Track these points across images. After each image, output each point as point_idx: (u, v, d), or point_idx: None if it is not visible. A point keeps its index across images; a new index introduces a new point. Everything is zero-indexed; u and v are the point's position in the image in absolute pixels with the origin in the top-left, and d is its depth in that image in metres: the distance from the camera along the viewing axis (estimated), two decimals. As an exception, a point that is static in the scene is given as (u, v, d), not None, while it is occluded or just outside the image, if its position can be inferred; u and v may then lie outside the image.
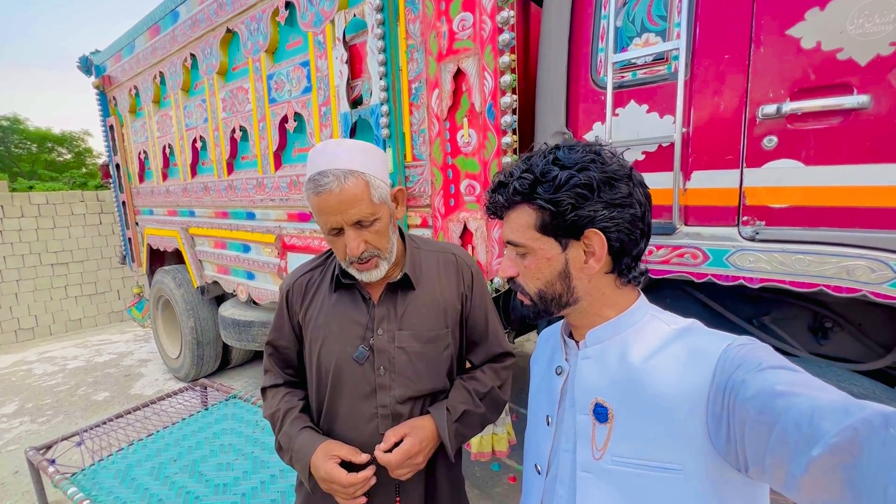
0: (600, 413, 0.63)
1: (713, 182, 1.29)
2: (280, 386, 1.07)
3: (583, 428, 0.65)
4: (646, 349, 0.63)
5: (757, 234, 1.22)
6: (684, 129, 1.31)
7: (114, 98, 4.37)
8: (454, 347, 1.03)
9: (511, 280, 0.69)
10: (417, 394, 0.98)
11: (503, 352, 1.09)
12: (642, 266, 0.68)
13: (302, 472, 0.95)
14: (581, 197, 0.60)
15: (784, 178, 1.17)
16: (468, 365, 1.11)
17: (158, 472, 1.96)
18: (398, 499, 0.99)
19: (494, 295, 1.77)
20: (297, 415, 1.01)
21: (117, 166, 4.49)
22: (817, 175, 1.13)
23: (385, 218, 0.91)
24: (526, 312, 0.69)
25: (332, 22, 2.13)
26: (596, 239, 0.61)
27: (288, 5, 2.36)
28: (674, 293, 1.64)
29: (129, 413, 2.47)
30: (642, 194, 0.63)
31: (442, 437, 0.94)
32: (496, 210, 0.68)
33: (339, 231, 0.88)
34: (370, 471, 0.90)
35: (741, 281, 1.25)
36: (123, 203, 4.56)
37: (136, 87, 3.93)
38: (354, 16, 2.03)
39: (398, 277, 0.97)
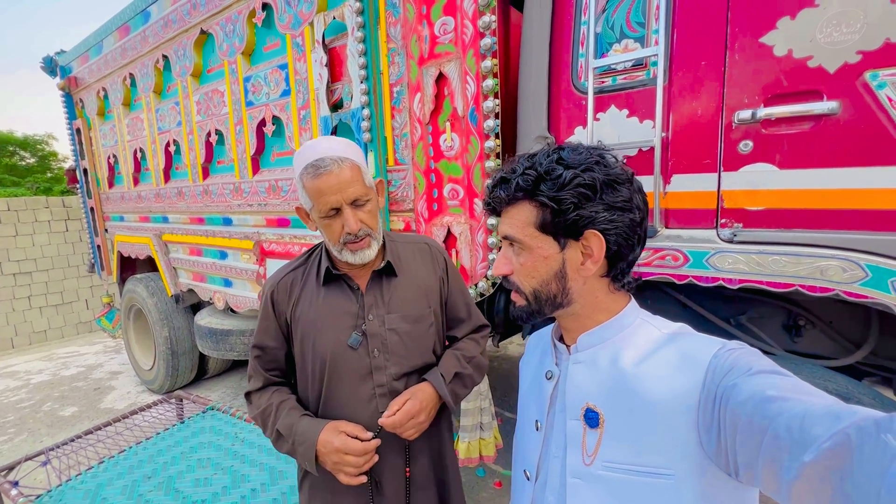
0: (591, 418, 0.63)
1: (692, 185, 1.32)
2: (265, 388, 1.10)
3: (573, 433, 0.65)
4: (637, 354, 0.62)
5: (735, 236, 1.25)
6: (664, 134, 1.33)
7: (81, 100, 4.20)
8: (437, 325, 1.13)
9: (505, 278, 0.68)
10: (410, 369, 1.07)
11: (482, 324, 1.22)
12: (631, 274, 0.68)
13: (306, 453, 0.97)
14: (584, 197, 0.59)
15: (759, 181, 1.21)
16: (447, 342, 1.21)
17: (131, 490, 1.87)
18: (408, 469, 1.07)
19: (479, 300, 1.76)
20: (293, 405, 1.06)
21: (85, 171, 4.32)
22: (791, 178, 1.17)
23: (374, 201, 1.02)
24: (519, 313, 0.68)
25: (311, 24, 2.10)
26: (595, 240, 0.61)
27: (265, 7, 2.31)
28: (655, 294, 1.67)
29: (100, 429, 2.35)
30: (641, 200, 0.63)
31: (440, 394, 1.04)
32: (496, 205, 0.67)
33: (337, 212, 0.96)
34: (377, 441, 0.98)
35: (720, 282, 1.28)
36: (92, 209, 4.38)
37: (104, 89, 3.79)
38: (334, 18, 2.00)
39: (382, 265, 1.06)
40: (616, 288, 0.66)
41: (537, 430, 0.71)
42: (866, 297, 1.08)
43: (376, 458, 0.98)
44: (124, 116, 3.66)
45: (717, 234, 1.28)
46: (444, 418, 1.15)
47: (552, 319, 0.72)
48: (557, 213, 0.60)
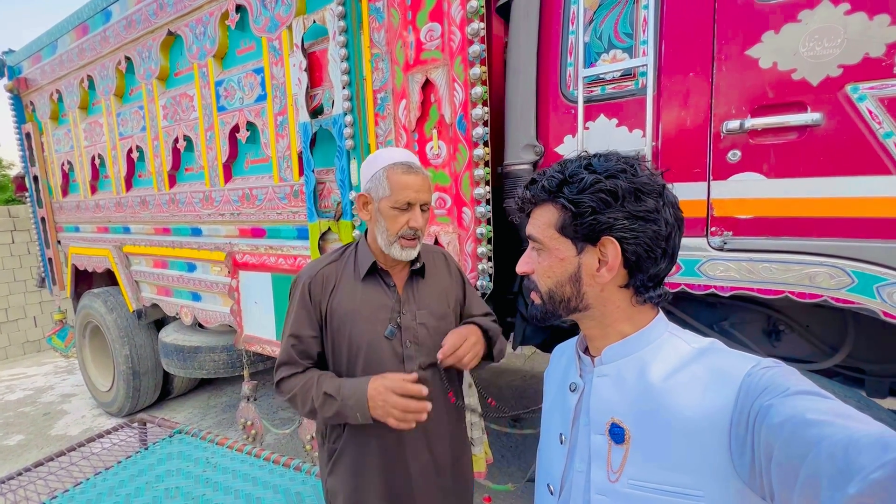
0: (616, 433, 0.61)
1: (682, 194, 1.31)
2: (298, 373, 1.17)
3: (598, 448, 0.62)
4: (665, 368, 0.60)
5: (725, 243, 1.27)
6: (653, 143, 1.34)
7: (31, 103, 3.93)
8: (455, 322, 1.27)
9: (526, 277, 0.70)
10: (436, 360, 1.17)
11: (489, 312, 1.37)
12: (665, 288, 0.66)
13: (357, 404, 1.07)
14: (603, 202, 0.59)
15: (748, 190, 1.23)
16: None
17: (90, 527, 1.70)
18: (450, 391, 1.22)
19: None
20: (332, 375, 1.15)
21: (35, 178, 4.03)
22: (778, 187, 1.19)
23: (429, 213, 1.18)
24: (534, 312, 0.70)
25: (290, 28, 2.03)
26: (611, 247, 0.60)
27: (239, 9, 2.23)
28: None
29: (52, 459, 2.14)
30: (672, 215, 0.61)
31: (483, 326, 1.21)
32: (523, 206, 0.69)
33: (408, 207, 1.10)
34: (423, 387, 1.07)
35: (712, 290, 1.29)
36: (43, 219, 4.08)
37: (58, 92, 3.55)
38: (314, 22, 1.94)
39: (418, 266, 1.21)
40: (639, 301, 0.64)
41: (561, 443, 0.69)
42: (853, 302, 1.12)
43: (427, 405, 1.05)
44: (81, 121, 3.44)
45: (708, 242, 1.30)
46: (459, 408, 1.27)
47: (569, 332, 0.70)
48: (576, 216, 0.61)
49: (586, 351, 0.71)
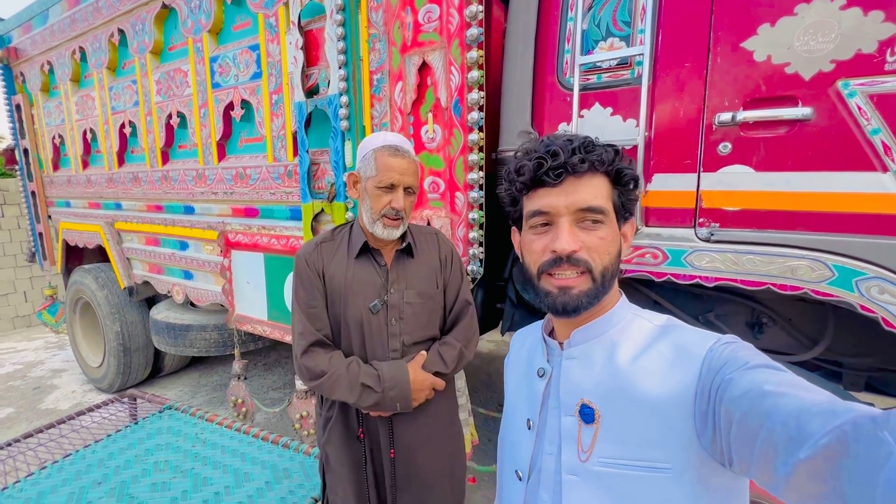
0: (586, 414, 0.62)
1: (672, 185, 1.34)
2: (319, 351, 1.20)
3: (568, 430, 0.64)
4: (632, 349, 0.62)
5: (712, 235, 1.29)
6: (646, 133, 1.35)
7: (21, 74, 3.85)
8: (443, 304, 1.30)
9: (562, 260, 0.60)
10: (420, 339, 1.26)
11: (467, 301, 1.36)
12: None
13: (400, 395, 1.15)
14: (637, 182, 0.65)
15: (737, 182, 1.24)
16: None
17: (79, 497, 1.72)
18: (392, 451, 1.26)
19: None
20: (358, 361, 1.19)
21: (25, 151, 3.97)
22: (766, 180, 1.21)
23: (415, 197, 1.22)
24: (580, 300, 0.60)
25: (286, 4, 2.00)
26: (631, 226, 0.67)
27: (235, -17, 2.19)
28: (627, 291, 1.69)
29: (41, 431, 2.16)
30: None
31: (436, 366, 1.25)
32: (569, 169, 0.60)
33: (391, 188, 1.14)
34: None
35: (697, 280, 1.31)
36: (33, 193, 4.03)
37: (49, 63, 3.48)
38: (311, -1, 1.91)
39: (404, 246, 1.24)
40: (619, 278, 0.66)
41: (529, 428, 0.69)
42: (832, 295, 1.14)
43: None
44: (73, 93, 3.38)
45: (696, 234, 1.31)
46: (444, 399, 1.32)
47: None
48: (627, 192, 0.64)
49: (551, 335, 0.72)
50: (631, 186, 0.64)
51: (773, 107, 1.18)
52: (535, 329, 0.78)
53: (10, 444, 2.04)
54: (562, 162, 0.60)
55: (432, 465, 1.28)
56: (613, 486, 0.59)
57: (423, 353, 1.24)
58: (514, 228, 0.73)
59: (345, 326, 1.23)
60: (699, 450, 0.55)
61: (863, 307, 1.11)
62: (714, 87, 1.25)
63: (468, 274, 1.68)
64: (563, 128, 1.52)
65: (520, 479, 0.70)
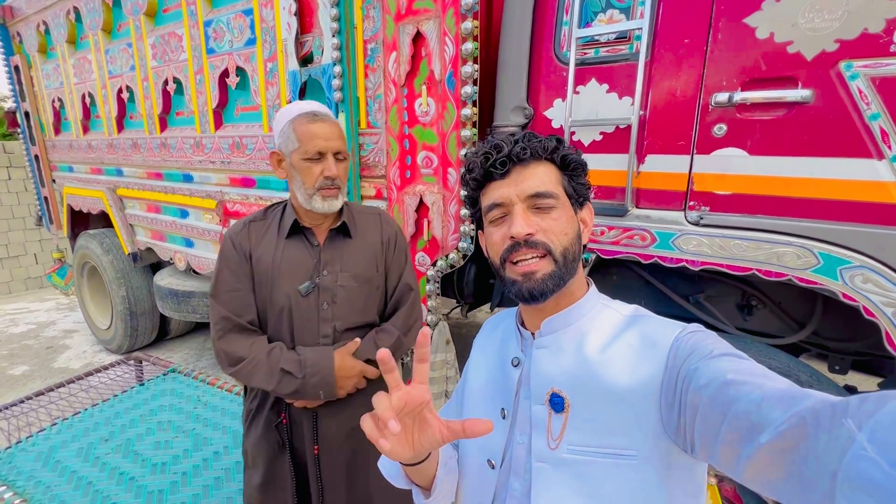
0: (556, 403, 0.63)
1: (665, 166, 1.32)
2: (241, 332, 1.12)
3: (538, 418, 0.65)
4: (600, 338, 0.63)
5: (701, 219, 1.27)
6: (641, 112, 1.31)
7: (18, 34, 3.78)
8: (383, 288, 1.23)
9: (520, 244, 0.62)
10: (354, 325, 1.18)
11: (409, 286, 1.28)
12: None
13: (322, 382, 1.07)
14: (584, 167, 0.68)
15: (729, 165, 1.22)
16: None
17: (87, 452, 1.83)
18: (316, 447, 1.19)
19: (449, 270, 1.76)
20: (282, 346, 1.13)
21: (26, 114, 3.95)
22: (759, 165, 1.19)
23: (348, 163, 1.14)
24: (545, 284, 0.61)
25: (279, -34, 1.92)
26: (589, 211, 0.69)
27: (227, -59, 2.10)
28: (620, 271, 1.71)
29: (53, 389, 2.26)
30: None
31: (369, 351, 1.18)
32: (517, 158, 0.63)
33: (319, 157, 1.07)
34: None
35: (684, 263, 1.31)
36: (36, 157, 4.04)
37: (45, 23, 3.41)
38: (304, -39, 1.84)
39: (338, 224, 1.16)
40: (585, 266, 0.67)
41: (504, 417, 0.70)
42: (816, 283, 1.14)
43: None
44: (69, 56, 3.33)
45: (685, 217, 1.30)
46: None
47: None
48: (576, 177, 0.67)
49: (523, 325, 0.72)
50: (578, 172, 0.66)
51: (771, 88, 1.14)
52: (507, 316, 0.78)
53: (23, 401, 2.15)
54: (506, 153, 0.64)
55: (364, 460, 1.18)
56: (581, 472, 0.60)
57: (357, 340, 1.16)
58: (479, 232, 0.75)
59: (272, 310, 1.13)
60: (664, 437, 0.57)
61: (845, 296, 1.11)
62: (713, 65, 1.20)
63: (459, 250, 1.69)
64: (558, 104, 1.49)
65: (492, 468, 0.70)
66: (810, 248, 1.13)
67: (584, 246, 0.69)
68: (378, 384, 1.19)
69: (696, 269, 1.30)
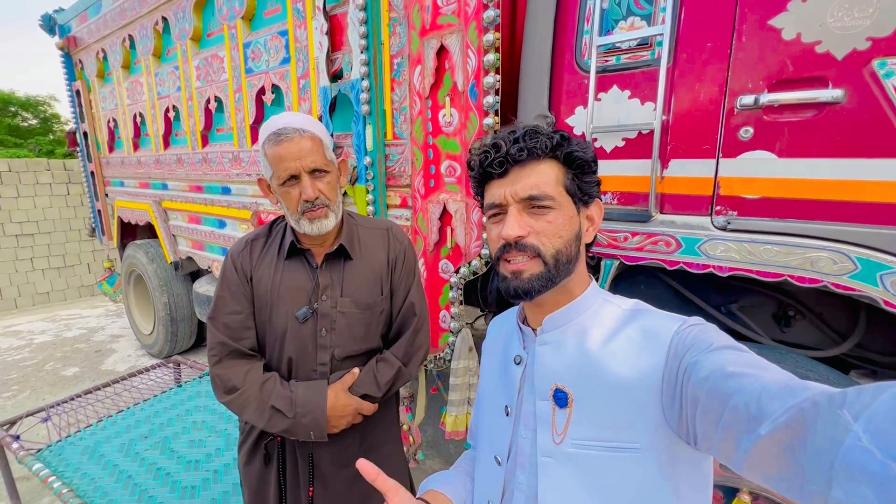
0: (560, 398, 0.64)
1: (689, 171, 1.30)
2: (238, 357, 1.08)
3: (543, 414, 0.65)
4: (602, 333, 0.64)
5: (729, 223, 1.24)
6: (664, 117, 1.31)
7: (80, 61, 4.13)
8: (387, 312, 1.16)
9: (511, 246, 0.63)
10: (354, 353, 1.11)
11: (413, 312, 1.18)
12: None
13: (313, 423, 1.00)
14: (595, 163, 0.67)
15: (757, 169, 1.19)
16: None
17: (128, 448, 1.93)
18: (311, 489, 1.13)
19: (472, 278, 1.77)
20: (276, 378, 1.07)
21: (85, 134, 4.29)
22: (789, 167, 1.15)
23: (334, 175, 1.05)
24: (532, 284, 0.63)
25: (313, -11, 2.04)
26: (597, 208, 0.68)
27: (266, -31, 2.24)
28: (647, 279, 1.67)
29: (99, 389, 2.41)
30: None
31: (368, 390, 1.11)
32: (517, 158, 0.63)
33: (296, 180, 0.99)
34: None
35: (711, 269, 1.28)
36: (92, 173, 4.37)
37: (103, 51, 3.72)
38: (335, -16, 1.94)
39: (335, 248, 1.08)
40: (588, 259, 0.68)
41: (507, 415, 0.71)
42: (854, 289, 1.09)
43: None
44: (124, 79, 3.61)
45: (712, 222, 1.27)
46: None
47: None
48: (581, 175, 0.65)
49: (525, 322, 0.73)
50: (584, 169, 0.65)
51: (800, 89, 1.11)
52: (510, 316, 0.79)
53: (73, 399, 2.30)
54: (503, 153, 0.63)
55: (360, 492, 1.12)
56: (586, 466, 0.61)
57: (355, 370, 1.08)
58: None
59: (270, 335, 1.07)
60: (666, 430, 0.57)
61: (886, 303, 1.05)
62: (737, 69, 1.19)
63: (481, 257, 1.70)
64: (579, 111, 1.50)
65: (499, 465, 0.71)
66: (846, 252, 1.08)
67: (590, 243, 0.69)
68: (377, 415, 1.15)
69: (725, 275, 1.26)
